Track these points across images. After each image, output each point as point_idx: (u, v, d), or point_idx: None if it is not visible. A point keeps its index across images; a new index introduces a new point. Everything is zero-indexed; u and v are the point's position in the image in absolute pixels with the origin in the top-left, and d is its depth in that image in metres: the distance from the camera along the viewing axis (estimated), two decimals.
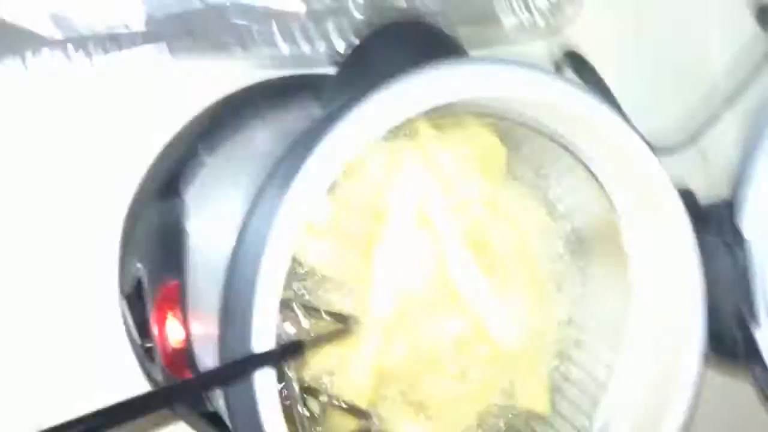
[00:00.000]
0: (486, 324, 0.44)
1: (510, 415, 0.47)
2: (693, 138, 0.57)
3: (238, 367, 0.30)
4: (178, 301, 0.41)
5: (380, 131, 0.36)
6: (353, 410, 0.38)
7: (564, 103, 0.40)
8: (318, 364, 0.41)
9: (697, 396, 0.40)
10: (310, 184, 0.34)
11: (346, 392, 0.41)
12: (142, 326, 0.43)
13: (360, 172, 0.43)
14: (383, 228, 0.42)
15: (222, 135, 0.49)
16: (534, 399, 0.46)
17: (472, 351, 0.45)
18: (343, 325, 0.37)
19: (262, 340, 0.32)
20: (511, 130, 0.45)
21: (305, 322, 0.37)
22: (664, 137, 0.54)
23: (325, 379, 0.41)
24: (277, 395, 0.31)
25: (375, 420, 0.38)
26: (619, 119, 0.41)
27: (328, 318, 0.38)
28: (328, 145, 0.35)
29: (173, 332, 0.41)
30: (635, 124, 0.42)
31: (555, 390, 0.47)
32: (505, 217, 0.45)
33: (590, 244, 0.47)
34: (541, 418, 0.46)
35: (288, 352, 0.32)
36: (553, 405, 0.46)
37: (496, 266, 0.45)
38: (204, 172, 0.48)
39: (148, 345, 0.43)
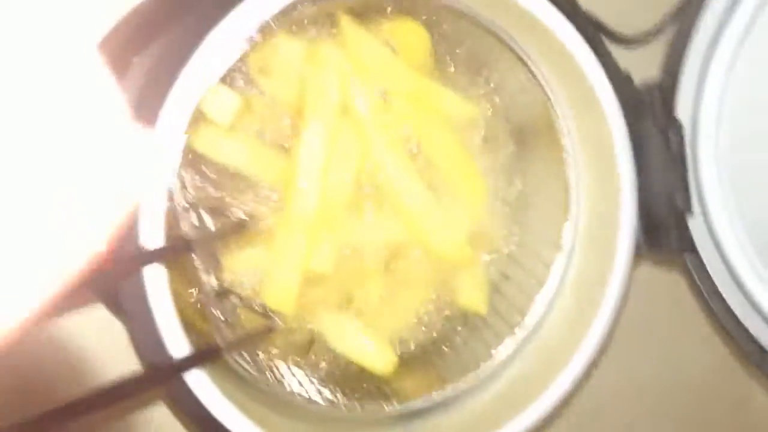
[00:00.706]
0: (419, 226, 0.43)
1: (448, 313, 0.46)
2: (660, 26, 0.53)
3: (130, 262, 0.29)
4: None
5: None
6: (262, 313, 0.37)
7: None
8: (236, 267, 0.40)
9: (627, 290, 0.39)
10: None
11: (270, 297, 0.40)
12: None
13: (278, 67, 0.41)
14: (303, 125, 0.40)
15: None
16: (472, 299, 0.45)
17: (406, 253, 0.44)
18: (241, 221, 0.36)
19: (151, 237, 0.30)
20: (441, 21, 0.43)
21: (210, 224, 0.36)
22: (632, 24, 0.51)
23: (245, 282, 0.40)
24: (166, 289, 0.30)
25: (278, 321, 0.37)
26: (549, 5, 0.38)
27: (234, 219, 0.37)
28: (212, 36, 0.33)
29: None
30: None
31: (493, 288, 0.46)
32: (435, 110, 0.43)
33: (528, 138, 0.45)
34: (478, 315, 0.45)
35: (175, 250, 0.30)
36: (490, 304, 0.45)
37: (427, 163, 0.44)
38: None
39: None
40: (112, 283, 0.31)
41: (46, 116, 0.17)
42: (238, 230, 0.36)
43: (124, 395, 0.28)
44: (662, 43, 0.45)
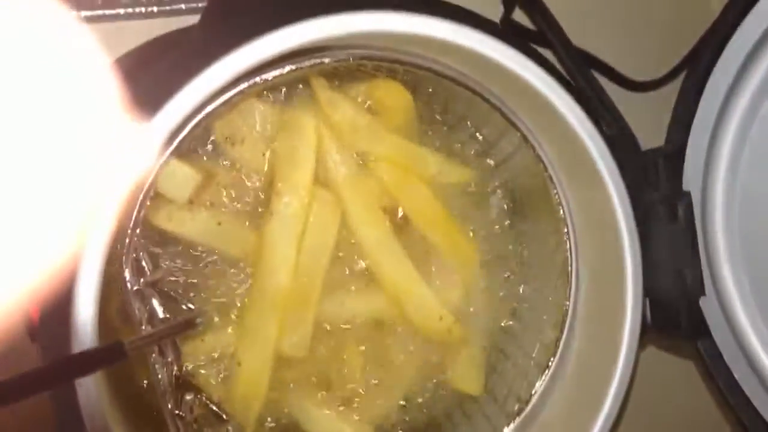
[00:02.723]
0: (403, 303, 0.39)
1: (439, 395, 0.42)
2: (672, 75, 0.50)
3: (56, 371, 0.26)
4: None
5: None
6: (220, 415, 0.34)
7: (473, 52, 0.34)
8: (201, 353, 0.37)
9: (634, 375, 0.35)
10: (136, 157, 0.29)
11: (239, 383, 0.37)
12: None
13: (246, 135, 0.38)
14: (275, 196, 0.37)
15: None
16: (465, 380, 0.41)
17: (390, 332, 0.40)
18: (190, 318, 0.32)
19: (83, 340, 0.27)
20: (426, 84, 0.39)
21: (160, 312, 0.33)
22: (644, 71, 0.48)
23: (209, 367, 0.37)
24: (96, 398, 0.27)
25: (230, 429, 0.34)
26: (541, 72, 0.35)
27: (185, 308, 0.33)
28: (168, 108, 0.30)
29: None
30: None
31: (490, 368, 0.42)
32: (419, 174, 0.39)
33: (524, 206, 0.42)
34: (472, 398, 0.41)
35: (108, 353, 0.27)
36: (486, 385, 0.41)
37: (413, 234, 0.40)
38: None
39: None
40: (44, 389, 0.28)
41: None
42: (185, 329, 0.33)
43: None
44: (672, 93, 0.41)
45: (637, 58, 0.49)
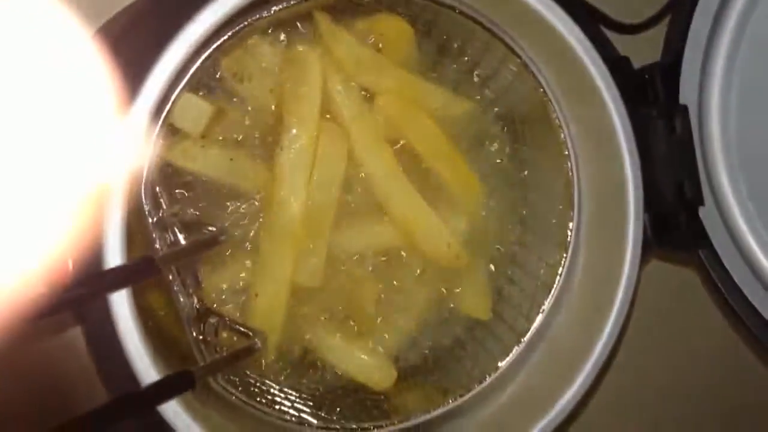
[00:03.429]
0: (411, 233, 0.40)
1: (449, 322, 0.43)
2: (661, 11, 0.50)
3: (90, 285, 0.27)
4: None
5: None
6: (243, 331, 0.35)
7: None
8: (218, 286, 0.38)
9: (637, 288, 0.36)
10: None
11: (256, 315, 0.38)
12: None
13: (253, 72, 0.39)
14: (283, 131, 0.38)
15: None
16: (474, 305, 0.43)
17: (401, 261, 0.42)
18: (213, 236, 0.33)
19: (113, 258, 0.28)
20: (424, 15, 0.40)
21: (183, 240, 0.34)
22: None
23: (229, 302, 0.38)
24: (130, 312, 0.28)
25: (258, 341, 0.35)
26: None
27: (206, 232, 0.35)
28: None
29: None
30: None
31: (497, 293, 0.43)
32: (422, 107, 0.40)
33: (524, 132, 0.43)
34: (481, 322, 0.43)
35: (141, 268, 0.28)
36: (493, 309, 0.43)
37: (418, 165, 0.41)
38: None
39: None
40: (78, 306, 0.29)
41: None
42: (210, 245, 0.34)
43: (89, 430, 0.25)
44: (663, 30, 0.42)
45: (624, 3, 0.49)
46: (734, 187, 0.35)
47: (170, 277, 0.34)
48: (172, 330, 0.35)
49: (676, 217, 0.37)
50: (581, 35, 0.36)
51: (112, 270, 0.27)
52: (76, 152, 0.18)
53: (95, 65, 0.18)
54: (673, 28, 0.36)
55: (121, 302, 0.28)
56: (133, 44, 0.34)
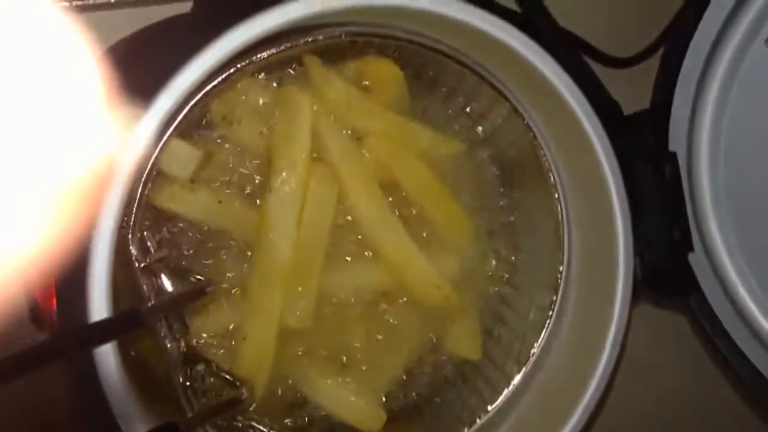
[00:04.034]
0: (401, 274, 0.40)
1: (439, 363, 0.43)
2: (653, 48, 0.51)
3: (71, 339, 0.27)
4: None
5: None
6: (231, 380, 0.35)
7: (460, 21, 0.35)
8: (206, 331, 0.38)
9: (627, 332, 0.36)
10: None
11: (244, 357, 0.38)
12: None
13: (243, 114, 0.39)
14: (272, 173, 0.38)
15: None
16: (464, 346, 0.42)
17: (390, 302, 0.42)
18: (200, 286, 0.33)
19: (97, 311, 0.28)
20: (417, 59, 0.40)
21: (169, 287, 0.34)
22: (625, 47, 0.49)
23: (217, 346, 0.38)
24: (115, 365, 0.28)
25: (244, 391, 0.35)
26: (526, 39, 0.36)
27: (193, 280, 0.34)
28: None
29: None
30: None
31: (487, 334, 0.43)
32: (412, 148, 0.40)
33: (515, 175, 0.43)
34: (471, 363, 0.42)
35: (126, 322, 0.28)
36: (484, 350, 0.43)
37: (408, 206, 0.41)
38: None
39: None
40: (63, 359, 0.29)
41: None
42: (197, 297, 0.33)
43: None
44: (653, 66, 0.42)
45: (616, 36, 0.50)
46: (723, 234, 0.36)
47: (157, 324, 0.34)
48: (159, 377, 0.35)
49: (665, 263, 0.37)
50: (571, 83, 0.36)
51: (98, 323, 0.27)
52: (69, 166, 0.18)
53: (98, 83, 0.18)
54: (662, 76, 0.36)
55: (106, 357, 0.28)
56: (137, 68, 0.34)
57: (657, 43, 0.47)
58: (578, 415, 0.38)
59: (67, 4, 0.43)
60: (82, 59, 0.19)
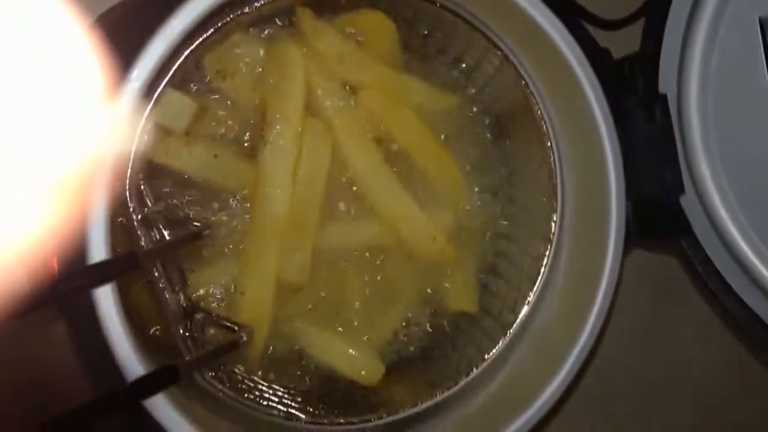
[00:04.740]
0: (397, 228, 0.41)
1: (436, 315, 0.43)
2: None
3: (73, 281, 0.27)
4: None
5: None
6: (229, 326, 0.35)
7: None
8: (204, 282, 0.38)
9: (621, 277, 0.37)
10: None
11: (243, 311, 0.38)
12: None
13: (236, 69, 0.39)
14: (267, 127, 0.38)
15: None
16: (460, 298, 0.43)
17: (387, 256, 0.42)
18: (197, 230, 0.34)
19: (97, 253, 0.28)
20: (409, 11, 0.40)
21: (166, 235, 0.34)
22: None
23: (215, 298, 0.38)
24: (116, 308, 0.28)
25: (243, 335, 0.35)
26: None
27: (192, 228, 0.35)
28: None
29: None
30: None
31: (483, 286, 0.44)
32: (406, 102, 0.41)
33: (507, 126, 0.43)
34: (467, 315, 0.43)
35: (124, 263, 0.28)
36: (480, 302, 0.43)
37: (402, 160, 0.41)
38: None
39: None
40: (62, 301, 0.29)
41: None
42: (193, 239, 0.34)
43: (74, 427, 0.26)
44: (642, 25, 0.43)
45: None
46: (714, 175, 0.36)
47: (156, 274, 0.34)
48: (159, 327, 0.35)
49: (657, 205, 0.37)
50: (562, 28, 0.37)
51: (96, 265, 0.27)
52: (61, 139, 0.18)
53: (88, 53, 0.18)
54: (651, 20, 0.37)
55: (105, 298, 0.28)
56: (127, 36, 0.35)
57: (645, 6, 0.47)
58: (572, 362, 0.38)
59: None
60: (71, 31, 0.19)
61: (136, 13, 0.40)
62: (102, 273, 0.27)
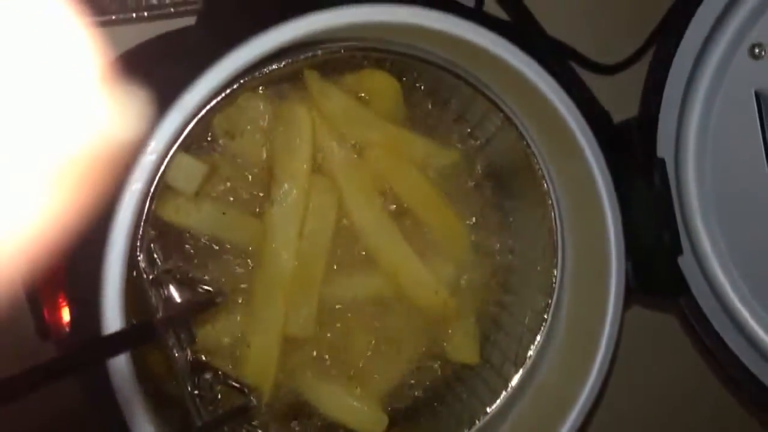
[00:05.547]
0: (400, 282, 0.41)
1: (439, 368, 0.44)
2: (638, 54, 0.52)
3: (85, 353, 0.27)
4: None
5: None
6: (239, 387, 0.36)
7: (453, 34, 0.36)
8: (212, 340, 0.39)
9: (621, 333, 0.38)
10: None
11: (249, 365, 0.39)
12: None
13: (244, 128, 0.40)
14: (274, 185, 0.39)
15: None
16: (462, 350, 0.44)
17: (390, 309, 0.43)
18: (210, 297, 0.34)
19: (111, 323, 0.29)
20: (412, 71, 0.41)
21: (177, 297, 0.35)
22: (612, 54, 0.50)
23: (222, 355, 0.39)
24: (130, 377, 0.29)
25: (253, 398, 0.36)
26: (518, 51, 0.37)
27: (201, 291, 0.35)
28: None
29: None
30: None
31: (484, 338, 0.44)
32: (410, 159, 0.42)
33: (509, 184, 0.44)
34: (469, 367, 0.44)
35: (140, 333, 0.29)
36: (482, 354, 0.44)
37: (406, 215, 0.42)
38: None
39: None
40: (78, 372, 0.29)
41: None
42: (207, 307, 0.34)
43: None
44: (641, 71, 0.44)
45: (603, 44, 0.51)
46: (711, 236, 0.37)
47: (165, 334, 0.35)
48: (168, 387, 0.36)
49: (656, 266, 0.38)
50: (562, 93, 0.38)
51: (113, 335, 0.28)
52: (61, 133, 0.18)
53: (104, 90, 0.19)
54: (650, 85, 0.38)
55: (120, 368, 0.29)
56: (140, 80, 0.35)
57: (642, 50, 0.49)
58: (575, 415, 0.39)
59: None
60: (90, 67, 0.19)
61: (151, 57, 0.41)
62: (118, 343, 0.28)
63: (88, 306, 0.32)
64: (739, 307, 0.37)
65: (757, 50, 0.35)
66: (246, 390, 0.35)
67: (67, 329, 0.36)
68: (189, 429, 0.31)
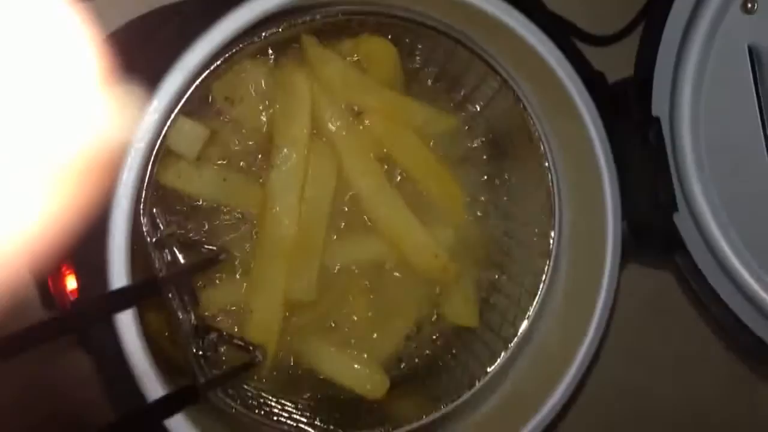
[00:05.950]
0: (400, 245, 0.42)
1: (438, 330, 0.45)
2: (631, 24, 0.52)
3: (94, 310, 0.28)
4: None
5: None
6: (243, 345, 0.36)
7: None
8: (215, 302, 0.39)
9: (617, 292, 0.38)
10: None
11: (252, 330, 0.39)
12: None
13: (244, 94, 0.40)
14: (274, 150, 0.39)
15: None
16: (461, 313, 0.44)
17: (391, 273, 0.43)
18: (213, 255, 0.35)
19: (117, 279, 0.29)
20: (410, 36, 0.42)
21: (181, 259, 0.35)
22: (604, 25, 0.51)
23: (226, 317, 0.39)
24: (137, 332, 0.29)
25: (258, 354, 0.36)
26: (516, 12, 0.38)
27: (206, 253, 0.36)
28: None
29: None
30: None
31: (484, 301, 0.45)
32: (408, 124, 0.42)
33: (506, 146, 0.44)
34: (469, 329, 0.44)
35: (145, 289, 0.29)
36: (481, 317, 0.44)
37: (404, 179, 0.43)
38: None
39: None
40: (83, 327, 0.30)
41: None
42: (210, 264, 0.35)
43: None
44: (635, 41, 0.44)
45: (598, 16, 0.51)
46: (706, 193, 0.37)
47: (169, 296, 0.35)
48: (171, 349, 0.36)
49: (651, 223, 0.38)
50: (559, 54, 0.38)
51: (117, 291, 0.28)
52: (62, 131, 0.19)
53: (100, 68, 0.19)
54: (644, 44, 0.38)
55: (126, 322, 0.29)
56: (137, 54, 0.36)
57: (636, 21, 0.49)
58: (572, 375, 0.40)
59: None
60: (85, 45, 0.19)
61: (147, 30, 0.42)
62: (124, 298, 0.28)
63: (92, 275, 0.33)
64: (734, 263, 0.37)
65: (749, 4, 0.35)
66: (251, 347, 0.36)
67: (72, 298, 0.37)
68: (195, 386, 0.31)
